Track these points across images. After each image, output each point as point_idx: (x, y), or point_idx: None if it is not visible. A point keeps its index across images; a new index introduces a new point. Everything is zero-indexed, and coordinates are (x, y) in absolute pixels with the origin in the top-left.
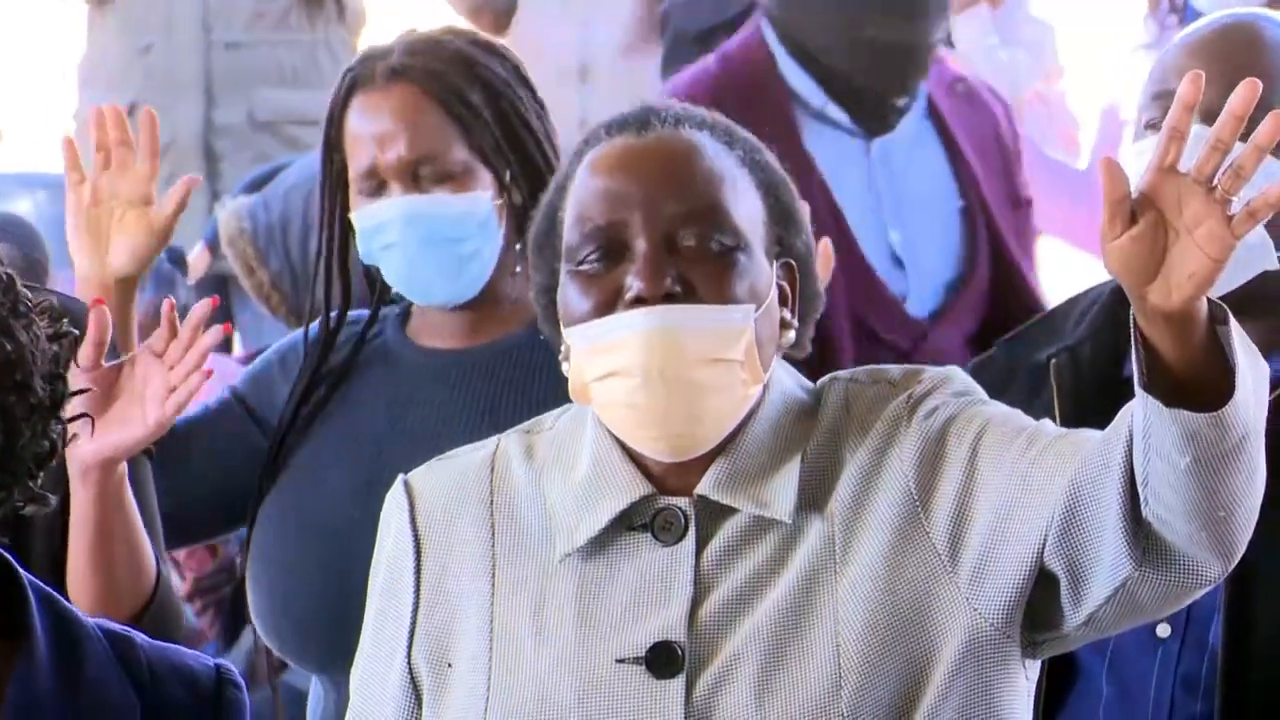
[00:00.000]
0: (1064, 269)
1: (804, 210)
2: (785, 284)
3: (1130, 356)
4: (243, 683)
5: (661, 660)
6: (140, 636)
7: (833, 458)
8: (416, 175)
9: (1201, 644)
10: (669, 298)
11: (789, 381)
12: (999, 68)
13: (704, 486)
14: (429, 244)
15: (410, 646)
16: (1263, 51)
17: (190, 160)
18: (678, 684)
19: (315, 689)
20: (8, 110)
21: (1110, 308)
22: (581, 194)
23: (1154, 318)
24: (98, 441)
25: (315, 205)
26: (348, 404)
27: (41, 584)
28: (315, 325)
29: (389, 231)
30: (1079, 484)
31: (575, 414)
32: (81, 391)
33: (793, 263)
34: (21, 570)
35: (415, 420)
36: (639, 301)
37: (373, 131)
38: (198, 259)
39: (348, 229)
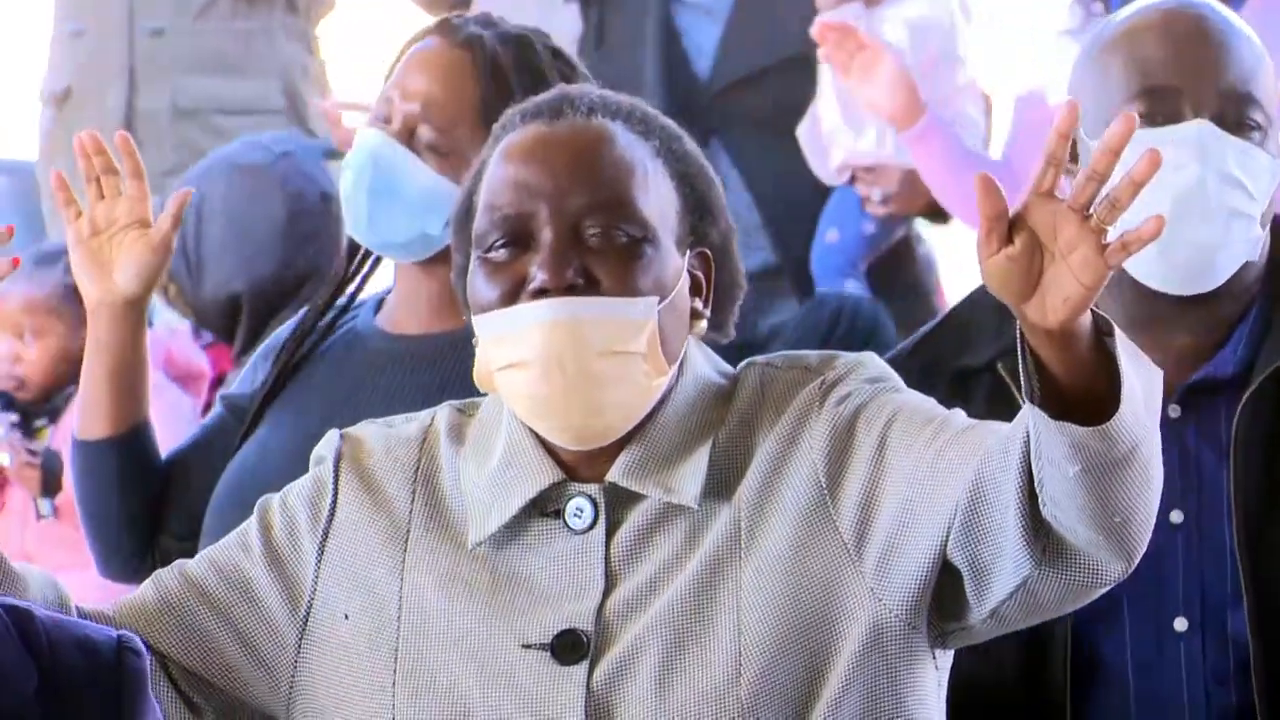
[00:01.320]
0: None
1: (721, 197)
2: (699, 273)
3: None
4: (145, 651)
5: (566, 647)
6: (40, 610)
7: (744, 444)
8: (414, 132)
9: (1223, 635)
10: (571, 289)
11: (705, 367)
12: None
13: (613, 473)
14: (374, 191)
15: (282, 567)
16: (1232, 36)
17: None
18: (580, 670)
19: None
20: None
21: None
22: (492, 181)
23: (1035, 333)
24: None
25: (207, 198)
26: (306, 386)
27: None
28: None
29: (358, 155)
30: (981, 480)
31: (494, 402)
32: None
33: (707, 252)
34: None
35: (362, 401)
36: (541, 293)
37: (414, 72)
38: None
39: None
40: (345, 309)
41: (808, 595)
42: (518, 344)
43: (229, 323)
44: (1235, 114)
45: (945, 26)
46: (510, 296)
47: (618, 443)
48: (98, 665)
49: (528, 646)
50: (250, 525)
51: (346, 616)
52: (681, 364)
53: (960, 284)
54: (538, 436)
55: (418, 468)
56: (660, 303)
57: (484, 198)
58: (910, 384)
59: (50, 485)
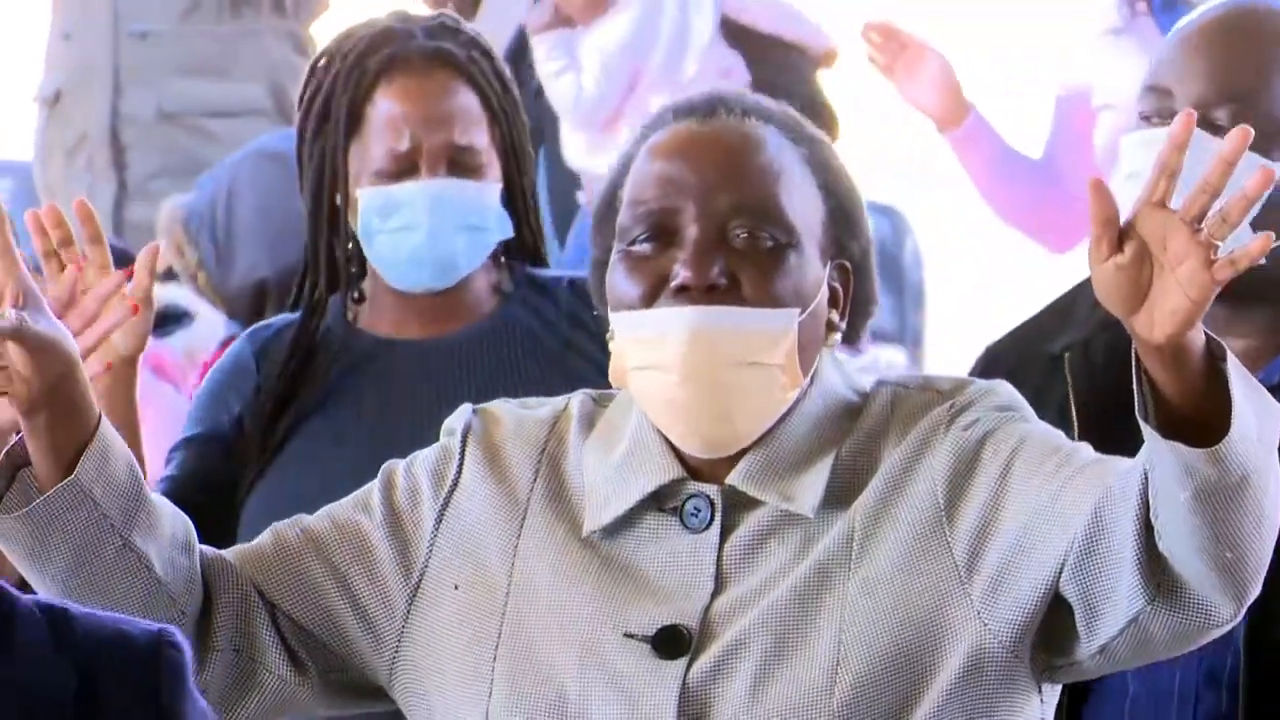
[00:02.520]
0: (1022, 260)
1: (864, 210)
2: (838, 285)
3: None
4: (184, 644)
5: (668, 642)
6: (76, 607)
7: (867, 459)
8: (453, 161)
9: (1226, 636)
10: (712, 289)
11: (836, 380)
12: (559, 93)
13: (734, 477)
14: (455, 229)
15: (400, 532)
16: (1257, 43)
17: (100, 152)
18: (679, 666)
19: None
20: None
21: None
22: (640, 176)
23: (1145, 348)
24: None
25: (239, 183)
26: (329, 399)
27: None
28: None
29: (411, 211)
30: (1101, 512)
31: (625, 394)
32: None
33: (847, 264)
34: None
35: (410, 414)
36: (683, 290)
37: (412, 114)
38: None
39: (336, 212)
40: (316, 316)
41: (913, 612)
42: (656, 347)
43: (257, 310)
44: (1227, 117)
45: (656, 38)
46: (652, 294)
47: (746, 447)
48: (135, 660)
49: (629, 636)
50: (372, 488)
51: (456, 587)
52: (813, 375)
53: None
54: (662, 433)
55: (544, 449)
56: (801, 314)
57: (630, 192)
58: (1009, 367)
59: None
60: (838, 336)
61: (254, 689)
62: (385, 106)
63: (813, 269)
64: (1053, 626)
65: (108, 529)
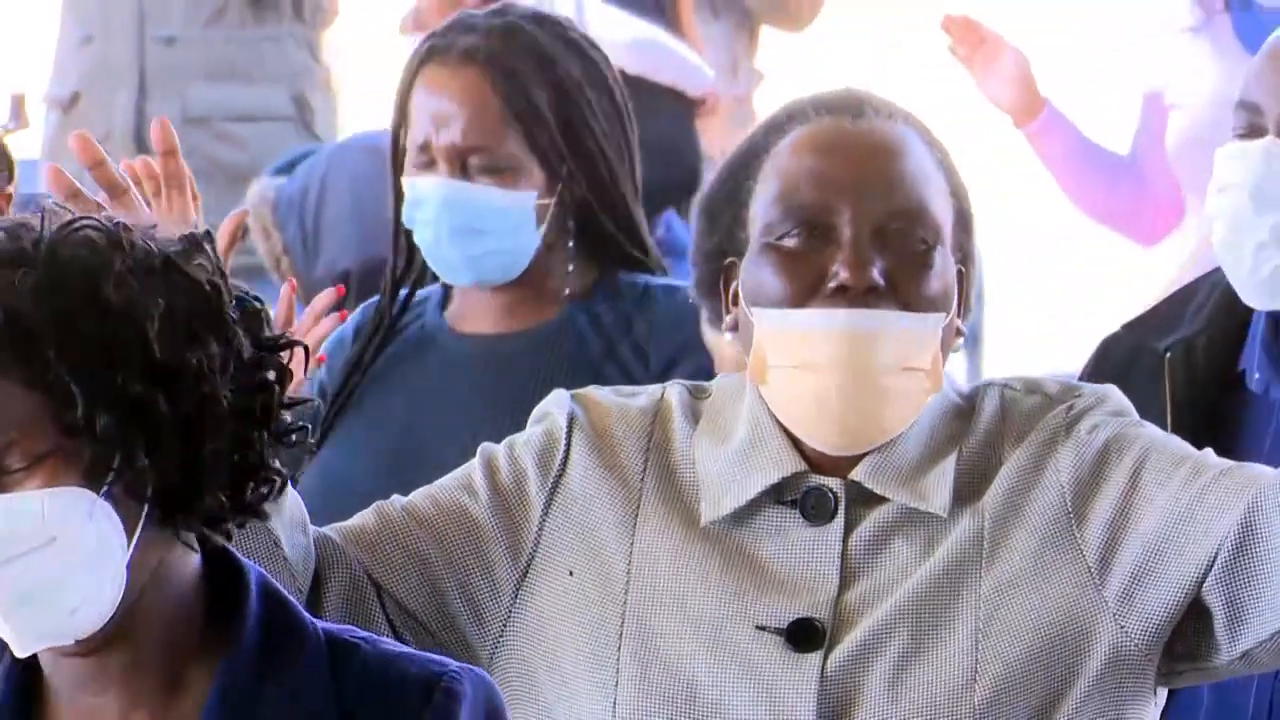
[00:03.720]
0: (1104, 254)
1: (974, 216)
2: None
3: (1246, 351)
4: (466, 688)
5: (802, 634)
6: (369, 646)
7: (988, 460)
8: (465, 163)
9: None
10: (871, 291)
11: (945, 381)
12: None
13: (859, 473)
14: (459, 231)
15: (507, 514)
16: None
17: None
18: (815, 658)
19: None
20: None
21: (1227, 297)
22: (789, 169)
23: None
24: None
25: (335, 172)
26: (383, 384)
27: (271, 582)
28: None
29: (426, 209)
30: (1251, 518)
31: (730, 385)
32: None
33: (963, 269)
34: (250, 566)
35: (443, 405)
36: (841, 291)
37: (433, 109)
38: None
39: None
40: (406, 306)
41: (1050, 613)
42: (809, 346)
43: (337, 303)
44: None
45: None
46: (806, 292)
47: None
48: (400, 701)
49: (762, 628)
50: (473, 469)
51: (571, 573)
52: None
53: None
54: (781, 425)
55: (651, 438)
56: (945, 318)
57: (773, 185)
58: (1120, 361)
59: None
60: (960, 341)
61: None
62: (417, 98)
63: (951, 272)
64: (1185, 632)
65: None
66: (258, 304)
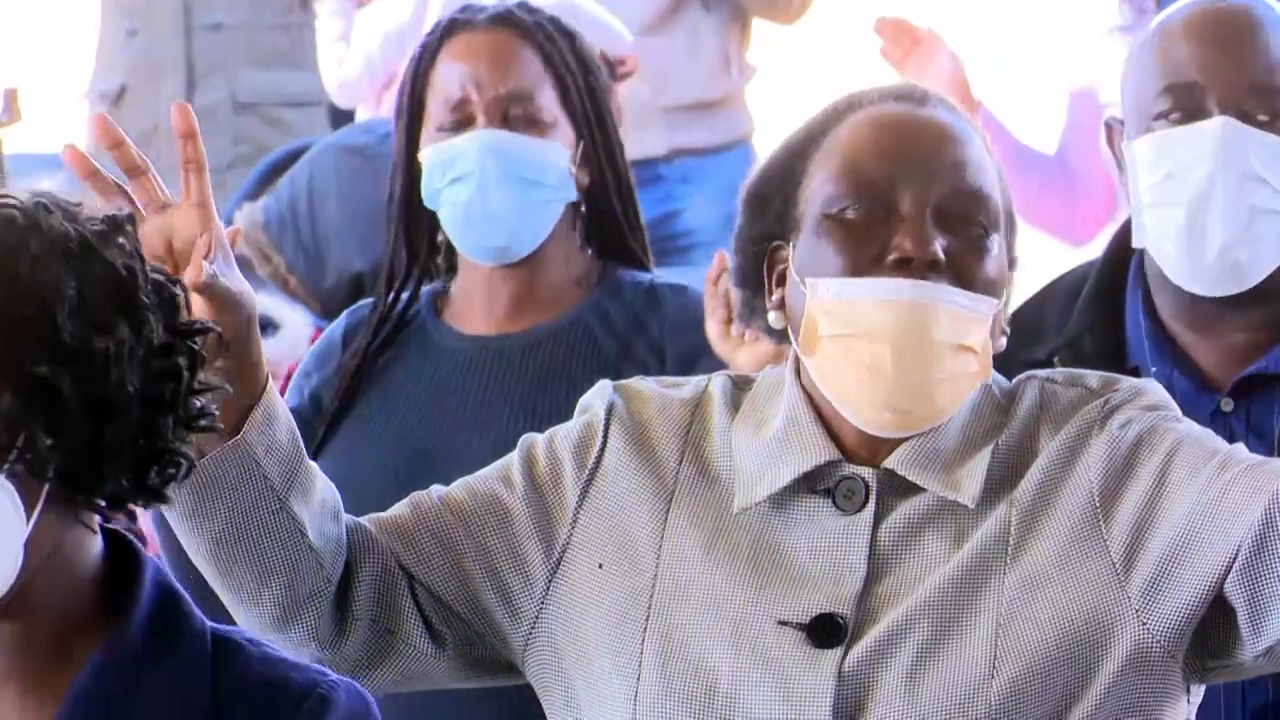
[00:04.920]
0: (1034, 256)
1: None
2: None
3: (1132, 347)
4: (341, 700)
5: (823, 630)
6: (253, 648)
7: (1023, 452)
8: (507, 114)
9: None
10: (933, 265)
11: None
12: (328, 63)
13: (893, 461)
14: (507, 179)
15: (542, 506)
16: (1264, 30)
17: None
18: (834, 655)
19: None
20: (30, 92)
21: (1101, 294)
22: (852, 145)
23: None
24: None
25: (319, 179)
26: (384, 387)
27: (167, 575)
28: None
29: (466, 160)
30: (1272, 513)
31: (772, 377)
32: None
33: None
34: (148, 557)
35: (452, 408)
36: (903, 262)
37: (469, 68)
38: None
39: (410, 200)
40: (408, 306)
41: (1072, 609)
42: (868, 314)
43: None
44: (1263, 108)
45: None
46: (867, 262)
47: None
48: (277, 710)
49: (784, 624)
50: (512, 461)
51: (600, 566)
52: None
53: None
54: (818, 413)
55: (689, 430)
56: (997, 305)
57: (836, 161)
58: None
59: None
60: (1003, 340)
61: (392, 659)
62: (444, 69)
63: (1004, 262)
64: (1211, 628)
65: (267, 491)
66: (175, 289)
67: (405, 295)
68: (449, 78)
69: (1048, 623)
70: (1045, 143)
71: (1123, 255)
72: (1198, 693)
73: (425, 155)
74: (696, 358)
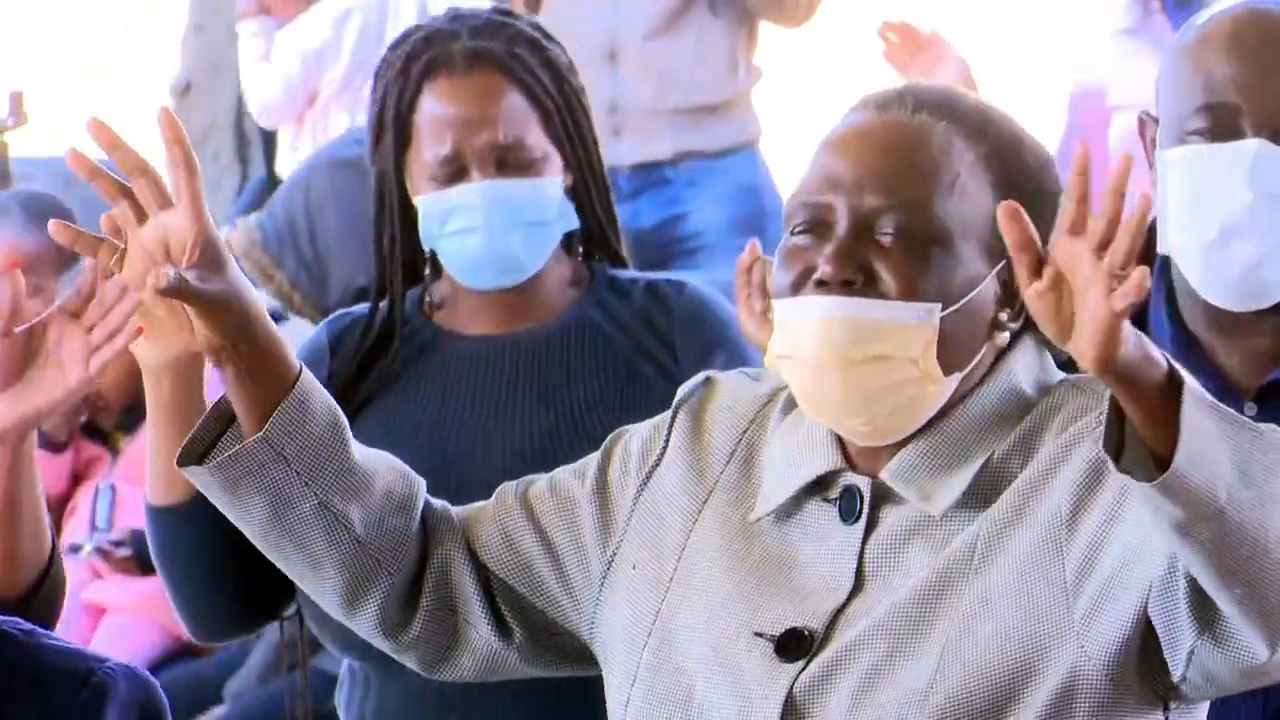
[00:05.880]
0: None
1: (1051, 212)
2: (1010, 282)
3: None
4: (120, 687)
5: (790, 644)
6: (28, 637)
7: (1015, 463)
8: (502, 160)
9: None
10: (848, 285)
11: (1024, 379)
12: (253, 83)
13: (886, 471)
14: (512, 227)
15: (606, 501)
16: None
17: (226, 143)
18: (793, 670)
19: (347, 676)
20: (36, 96)
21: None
22: (809, 167)
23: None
24: (10, 407)
25: (315, 195)
26: (393, 392)
27: None
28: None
29: (469, 215)
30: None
31: None
32: None
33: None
34: None
35: (467, 408)
36: (822, 285)
37: (458, 115)
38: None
39: (393, 218)
40: (390, 310)
41: (1018, 629)
42: (792, 335)
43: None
44: None
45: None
46: (798, 284)
47: (905, 439)
48: (51, 697)
49: (759, 635)
50: (595, 454)
51: (634, 567)
52: (990, 371)
53: None
54: None
55: (747, 429)
56: (944, 310)
57: (799, 182)
58: None
59: (147, 566)
60: (1005, 335)
61: (464, 648)
62: (429, 111)
63: (967, 268)
64: (1151, 653)
65: (300, 488)
66: None
67: (397, 302)
68: (437, 127)
69: (991, 640)
70: (1046, 143)
71: (1147, 258)
72: (1184, 713)
73: (421, 203)
74: (710, 352)
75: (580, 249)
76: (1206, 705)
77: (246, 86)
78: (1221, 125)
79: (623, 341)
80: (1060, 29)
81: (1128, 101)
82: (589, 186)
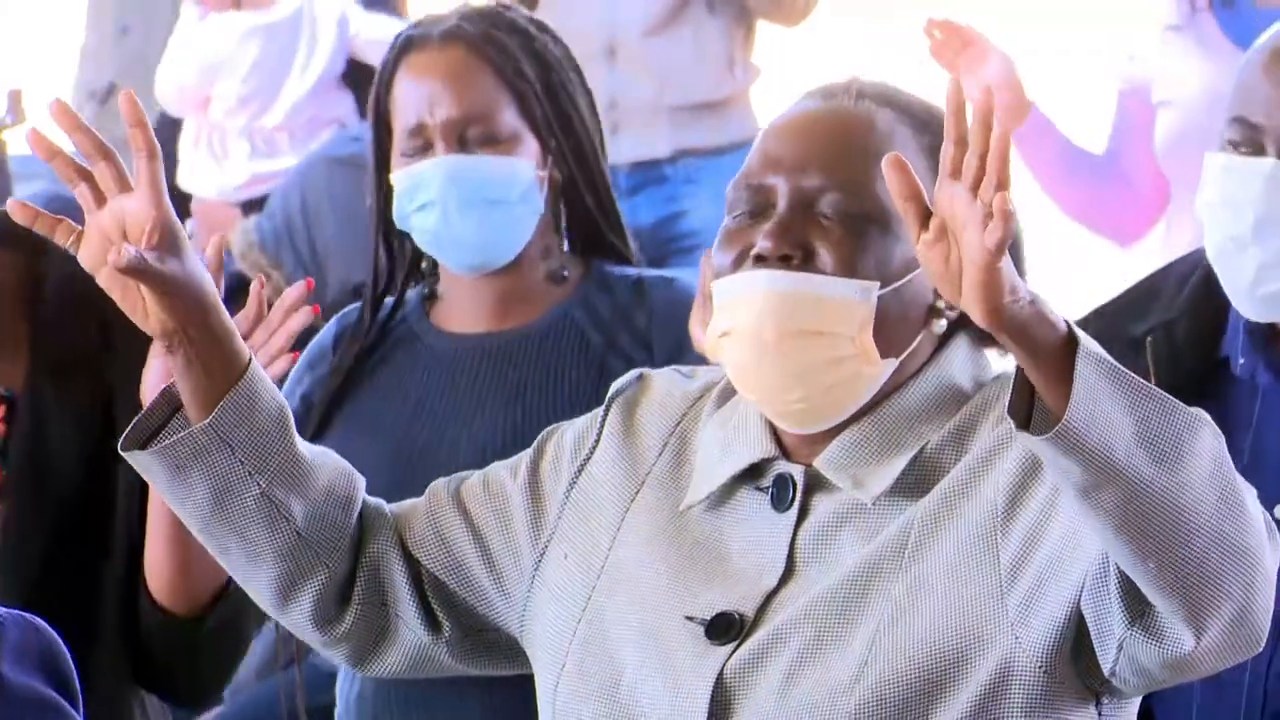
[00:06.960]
0: (1086, 255)
1: None
2: None
3: (1228, 337)
4: (11, 634)
5: (720, 628)
6: None
7: (949, 454)
8: (463, 137)
9: None
10: (785, 260)
11: (962, 371)
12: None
13: (819, 459)
14: (469, 204)
15: (537, 495)
16: None
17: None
18: (722, 653)
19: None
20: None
21: (1204, 284)
22: (751, 152)
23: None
24: None
25: (311, 194)
26: (373, 389)
27: None
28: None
29: (429, 189)
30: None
31: None
32: None
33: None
34: None
35: (440, 407)
36: (759, 260)
37: (423, 91)
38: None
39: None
40: (396, 309)
41: (953, 620)
42: (731, 311)
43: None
44: None
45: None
46: (737, 263)
47: (837, 429)
48: None
49: (689, 619)
50: (528, 450)
51: (565, 557)
52: (929, 362)
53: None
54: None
55: (679, 424)
56: (881, 289)
57: (741, 168)
58: None
59: None
60: (943, 323)
61: (393, 643)
62: (401, 88)
63: (905, 250)
64: (1086, 645)
65: (245, 477)
66: None
67: (392, 299)
68: (406, 102)
69: (924, 628)
70: (1094, 142)
71: None
72: (1117, 707)
73: (393, 179)
74: (684, 351)
75: (565, 243)
76: (1138, 702)
77: (159, 72)
78: (1249, 139)
79: (597, 339)
80: (1108, 26)
81: (1171, 98)
82: (578, 180)
